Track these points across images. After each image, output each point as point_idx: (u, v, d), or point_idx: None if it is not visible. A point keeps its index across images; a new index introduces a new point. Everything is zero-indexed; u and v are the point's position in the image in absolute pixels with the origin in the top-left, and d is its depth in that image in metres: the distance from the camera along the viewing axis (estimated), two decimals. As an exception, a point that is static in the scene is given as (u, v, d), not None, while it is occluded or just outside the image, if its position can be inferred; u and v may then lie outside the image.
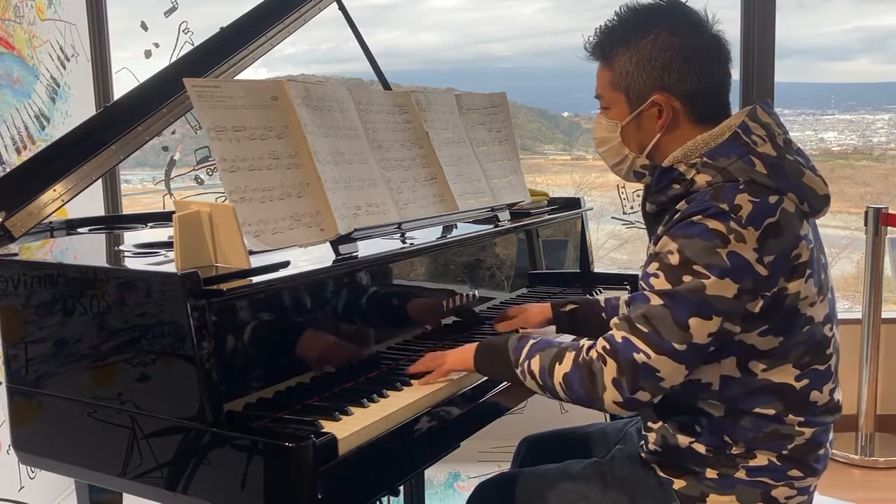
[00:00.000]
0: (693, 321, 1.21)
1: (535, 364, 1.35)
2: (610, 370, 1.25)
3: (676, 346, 1.22)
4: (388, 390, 1.40)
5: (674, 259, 1.23)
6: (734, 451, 1.34)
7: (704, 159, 1.29)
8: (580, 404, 1.32)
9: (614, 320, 1.31)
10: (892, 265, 3.32)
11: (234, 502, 1.18)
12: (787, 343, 1.29)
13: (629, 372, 1.24)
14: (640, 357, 1.23)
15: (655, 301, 1.24)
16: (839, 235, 4.03)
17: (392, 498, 1.36)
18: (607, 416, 2.62)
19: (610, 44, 1.38)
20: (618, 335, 1.27)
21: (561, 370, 1.31)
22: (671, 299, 1.22)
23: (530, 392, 1.50)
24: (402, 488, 1.77)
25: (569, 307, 1.81)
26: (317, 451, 1.11)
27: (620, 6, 1.39)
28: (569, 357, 1.31)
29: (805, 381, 1.32)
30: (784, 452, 1.34)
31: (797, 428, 1.33)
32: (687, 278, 1.22)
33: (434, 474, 3.04)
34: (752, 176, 1.25)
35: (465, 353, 1.47)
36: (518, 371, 1.39)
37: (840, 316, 1.45)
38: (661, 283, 1.24)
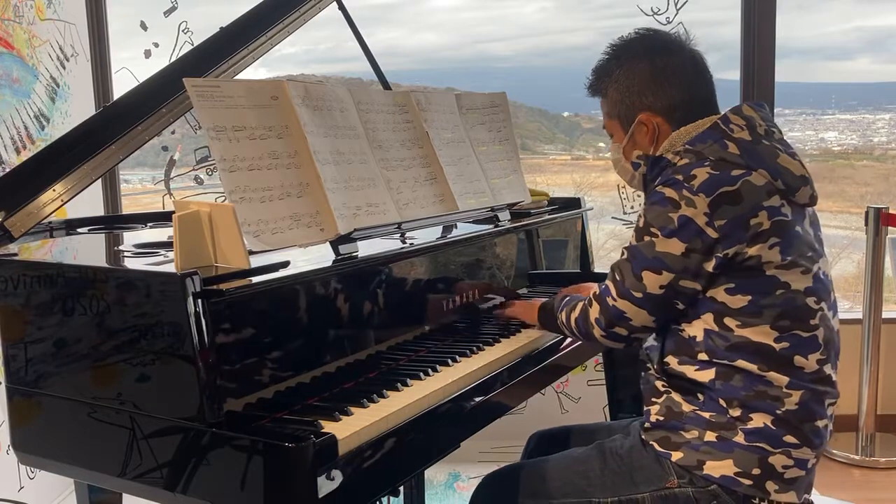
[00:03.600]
0: (645, 273, 1.43)
1: (564, 315, 1.66)
2: (594, 310, 1.55)
3: (634, 293, 1.46)
4: (388, 390, 1.39)
5: (640, 223, 1.45)
6: (731, 413, 1.42)
7: (686, 146, 1.46)
8: (587, 340, 1.63)
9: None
10: (893, 265, 3.32)
11: (233, 502, 1.18)
12: (756, 302, 1.40)
13: (604, 311, 1.52)
14: (610, 300, 1.51)
15: (624, 255, 1.49)
16: (839, 235, 4.03)
17: (392, 498, 1.37)
18: (608, 416, 2.63)
19: (599, 80, 1.60)
20: (606, 282, 1.53)
21: (574, 316, 1.62)
22: (631, 254, 1.46)
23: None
24: (402, 488, 1.77)
25: None
26: (317, 451, 1.11)
27: (608, 44, 1.59)
28: (579, 306, 1.62)
29: (785, 344, 1.41)
30: (778, 413, 1.41)
31: (785, 389, 1.41)
32: (645, 238, 1.43)
33: (434, 474, 3.04)
34: (722, 155, 1.41)
35: (531, 309, 1.81)
36: (558, 323, 1.68)
37: (840, 316, 1.53)
38: (632, 240, 1.47)
